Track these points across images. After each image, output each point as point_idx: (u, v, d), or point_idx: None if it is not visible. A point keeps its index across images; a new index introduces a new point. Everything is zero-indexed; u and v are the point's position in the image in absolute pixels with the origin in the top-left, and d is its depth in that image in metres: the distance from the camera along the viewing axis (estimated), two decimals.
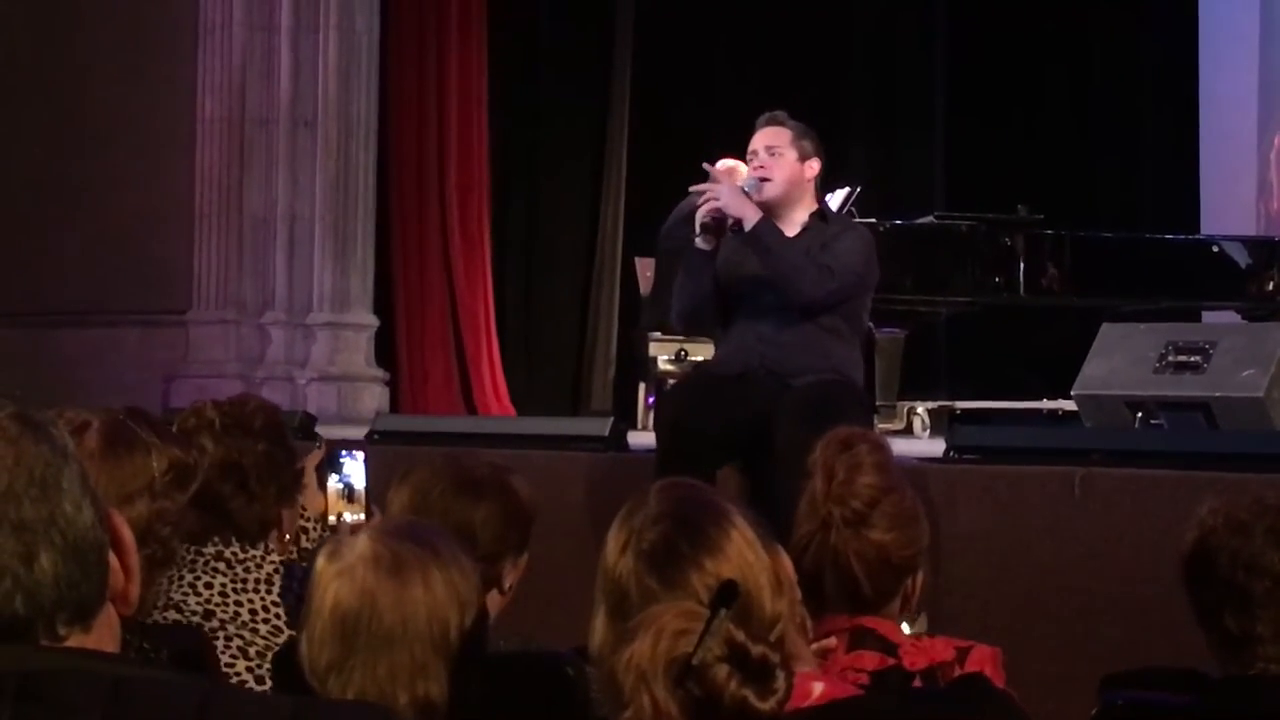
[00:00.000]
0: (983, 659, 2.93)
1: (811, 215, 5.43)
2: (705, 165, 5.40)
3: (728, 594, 1.90)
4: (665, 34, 11.74)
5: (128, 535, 1.55)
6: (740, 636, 1.88)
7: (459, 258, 10.73)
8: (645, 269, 9.58)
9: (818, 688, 1.99)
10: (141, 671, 1.43)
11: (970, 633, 3.20)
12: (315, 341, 9.79)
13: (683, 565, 2.09)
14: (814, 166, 5.42)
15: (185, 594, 3.26)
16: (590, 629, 2.14)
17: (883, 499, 2.99)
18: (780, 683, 1.88)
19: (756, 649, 1.88)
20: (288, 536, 3.57)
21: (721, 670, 1.87)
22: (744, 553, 2.09)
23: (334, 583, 2.27)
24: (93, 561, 1.46)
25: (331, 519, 3.71)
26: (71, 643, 1.45)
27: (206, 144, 9.73)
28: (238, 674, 3.18)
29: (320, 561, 2.31)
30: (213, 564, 3.30)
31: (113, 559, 1.51)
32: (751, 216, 5.23)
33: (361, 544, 2.29)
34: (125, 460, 2.59)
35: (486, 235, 10.94)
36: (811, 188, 5.45)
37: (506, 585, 3.15)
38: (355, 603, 2.24)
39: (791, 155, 5.37)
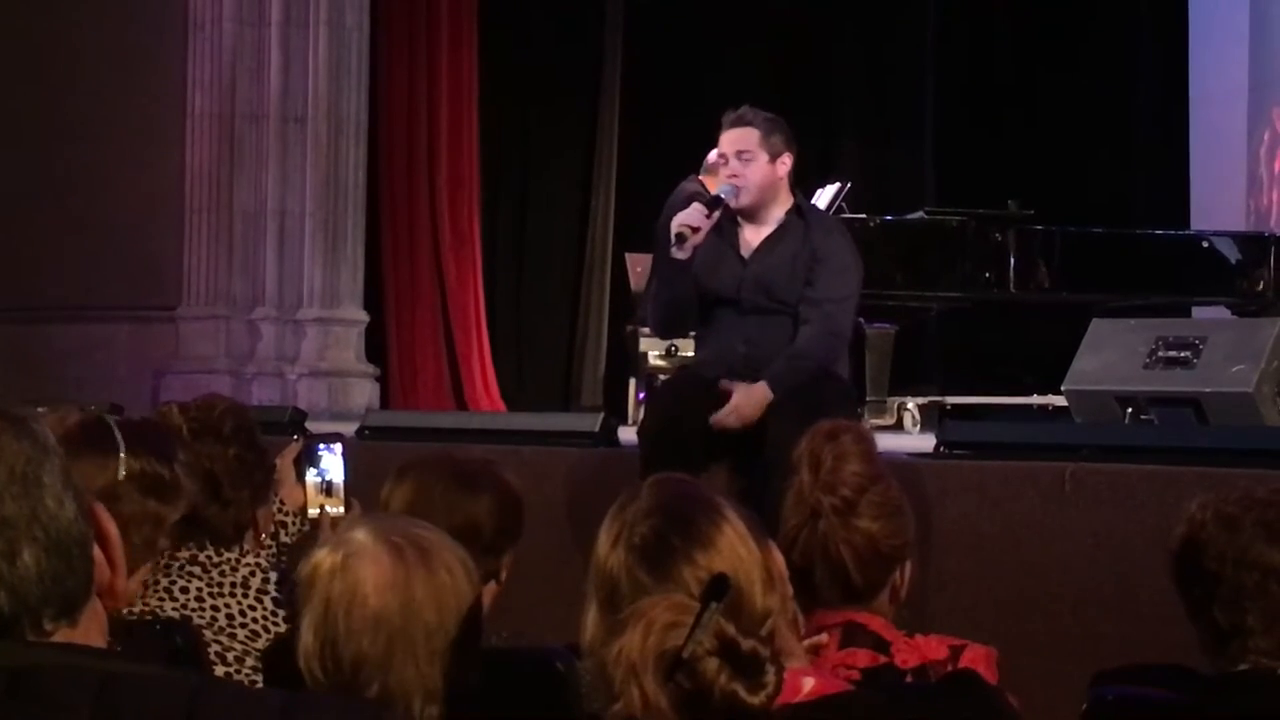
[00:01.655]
0: (976, 658, 2.93)
1: (788, 212, 5.38)
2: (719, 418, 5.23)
3: (719, 587, 1.90)
4: (656, 31, 11.74)
5: (112, 529, 1.55)
6: (731, 630, 1.88)
7: (449, 253, 10.73)
8: (636, 265, 9.57)
9: (808, 683, 1.99)
10: (130, 667, 1.43)
11: (960, 628, 3.20)
12: (305, 337, 9.78)
13: (674, 559, 2.09)
14: (786, 163, 5.35)
15: (161, 599, 3.23)
16: (582, 623, 2.14)
17: (870, 487, 3.00)
18: (770, 677, 1.88)
19: (747, 643, 1.88)
20: (264, 536, 3.53)
21: (711, 664, 1.87)
22: (735, 547, 2.09)
23: (342, 578, 2.23)
24: (76, 556, 1.46)
25: (312, 513, 3.68)
26: (58, 638, 1.45)
27: (196, 140, 9.72)
28: None
29: (324, 558, 2.27)
30: (188, 568, 3.26)
31: (97, 553, 1.51)
32: (766, 396, 5.14)
33: (368, 539, 2.25)
34: (84, 459, 2.55)
35: (477, 231, 10.93)
36: (786, 183, 5.40)
37: (503, 576, 3.16)
38: (384, 600, 2.21)
39: (762, 158, 5.30)
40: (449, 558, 2.27)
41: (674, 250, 5.19)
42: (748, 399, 5.13)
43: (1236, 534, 2.72)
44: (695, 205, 5.28)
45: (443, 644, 2.22)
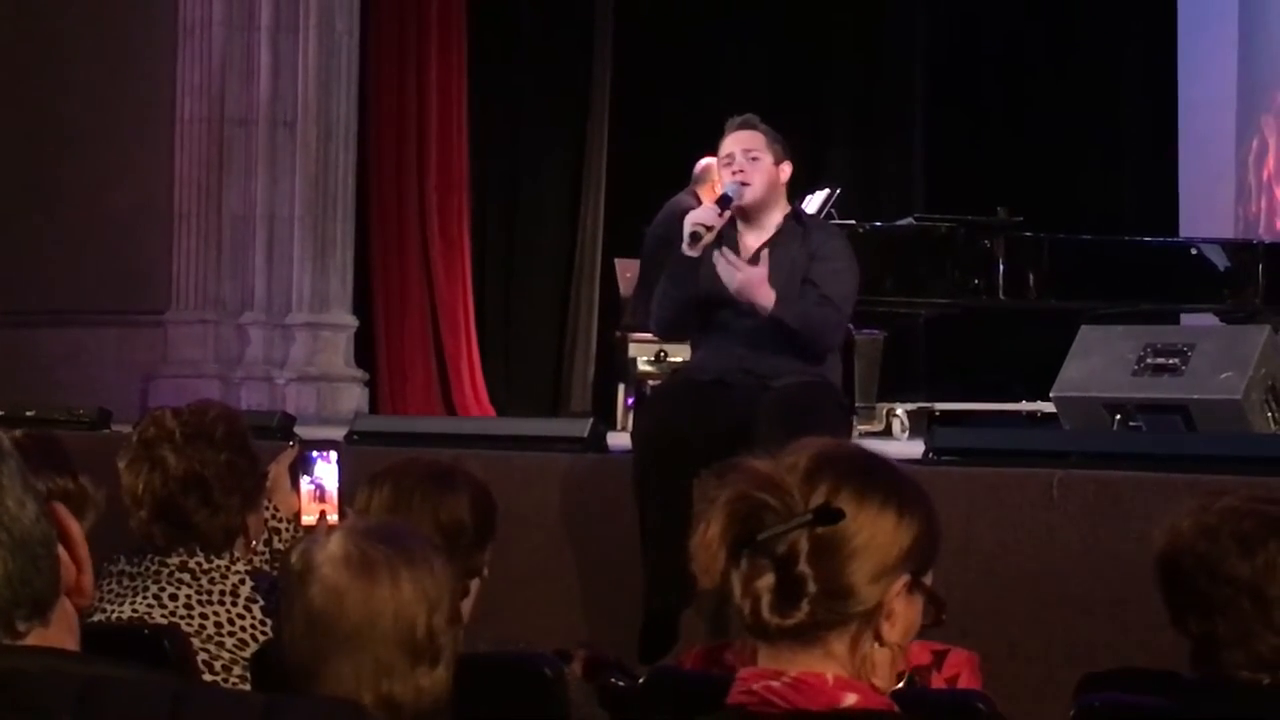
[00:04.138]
0: (959, 662, 2.94)
1: (786, 218, 5.43)
2: (726, 255, 5.26)
3: (828, 515, 1.91)
4: (645, 36, 11.75)
5: (74, 528, 1.55)
6: (803, 548, 1.90)
7: (438, 258, 10.73)
8: (625, 270, 9.57)
9: (850, 698, 1.96)
10: (112, 670, 1.43)
11: (948, 635, 3.20)
12: (294, 342, 9.77)
13: (824, 479, 1.97)
14: (787, 169, 5.43)
15: (150, 606, 3.22)
16: None
17: None
18: (801, 614, 1.91)
19: (801, 568, 1.90)
20: (254, 543, 3.53)
21: (764, 565, 1.91)
22: (879, 526, 1.95)
23: (301, 583, 2.26)
24: (41, 555, 1.46)
25: (310, 519, 3.68)
26: (32, 639, 1.45)
27: (186, 144, 9.71)
28: None
29: (292, 561, 2.31)
30: (177, 575, 3.26)
31: (62, 552, 1.51)
32: (770, 300, 5.21)
33: (333, 544, 2.29)
34: None
35: (466, 236, 10.93)
36: (784, 190, 5.46)
37: (485, 572, 3.18)
38: (321, 602, 2.24)
39: (768, 159, 5.37)
40: (401, 571, 2.26)
41: (685, 248, 5.25)
42: (757, 276, 5.16)
43: (1212, 545, 2.72)
44: (706, 205, 5.38)
45: (370, 658, 2.21)
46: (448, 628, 2.27)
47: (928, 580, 2.02)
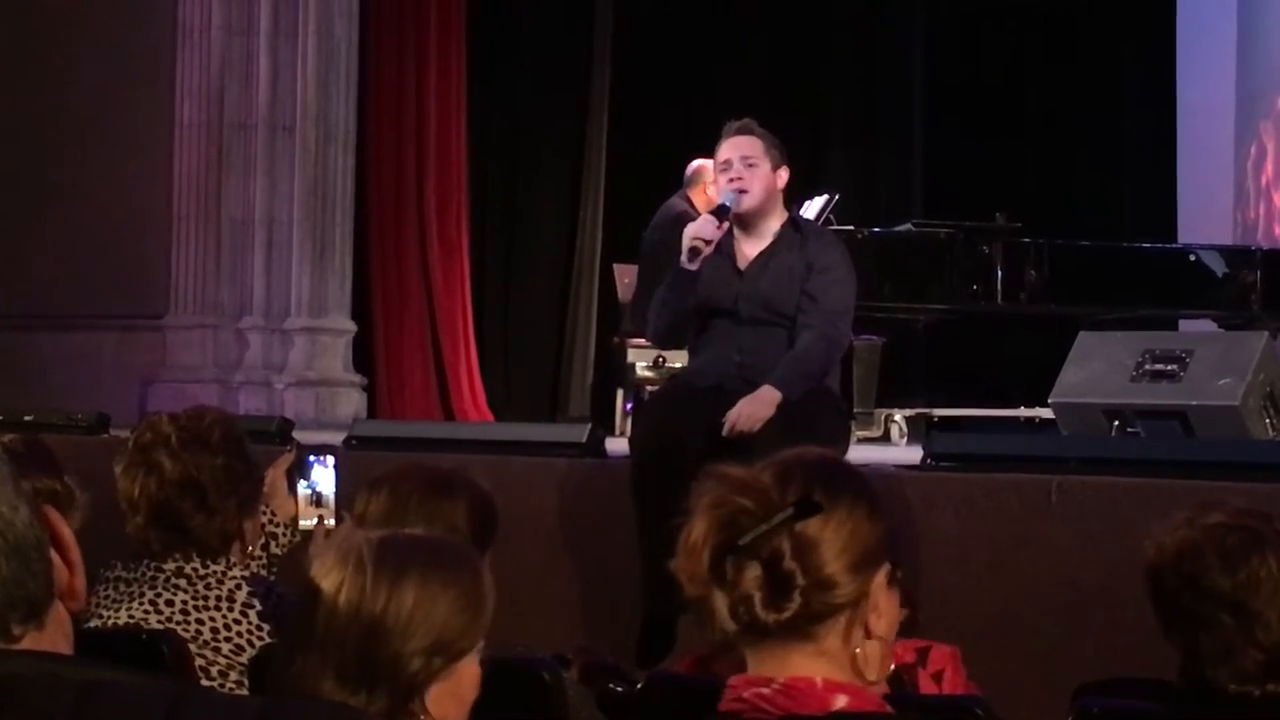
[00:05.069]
0: (942, 658, 2.95)
1: (783, 224, 5.41)
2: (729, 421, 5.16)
3: (808, 506, 1.94)
4: (644, 42, 11.76)
5: (66, 532, 1.56)
6: (786, 546, 1.94)
7: (437, 263, 10.73)
8: (624, 275, 9.57)
9: (840, 700, 1.97)
10: (109, 674, 1.43)
11: (945, 638, 3.20)
12: (293, 347, 9.77)
13: (795, 480, 2.01)
14: (784, 175, 5.40)
15: (146, 612, 3.22)
16: None
17: None
18: (792, 606, 1.94)
19: (790, 564, 1.94)
20: (250, 548, 3.52)
21: (753, 569, 1.94)
22: (854, 519, 2.00)
23: (307, 561, 2.26)
24: (35, 559, 1.47)
25: (308, 524, 3.68)
26: (27, 642, 1.45)
27: (185, 148, 9.71)
28: None
29: (315, 551, 2.29)
30: (173, 581, 3.25)
31: (54, 555, 1.51)
32: (777, 398, 5.16)
33: (353, 541, 2.24)
34: None
35: (465, 241, 10.94)
36: (781, 197, 5.44)
37: None
38: (298, 594, 2.22)
39: (766, 165, 5.34)
40: (391, 590, 2.20)
41: (685, 262, 5.23)
42: (756, 401, 5.13)
43: (1196, 562, 2.74)
44: (705, 217, 5.35)
45: (354, 657, 2.16)
46: (417, 659, 2.18)
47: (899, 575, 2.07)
